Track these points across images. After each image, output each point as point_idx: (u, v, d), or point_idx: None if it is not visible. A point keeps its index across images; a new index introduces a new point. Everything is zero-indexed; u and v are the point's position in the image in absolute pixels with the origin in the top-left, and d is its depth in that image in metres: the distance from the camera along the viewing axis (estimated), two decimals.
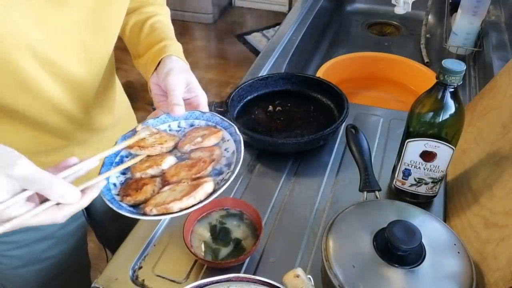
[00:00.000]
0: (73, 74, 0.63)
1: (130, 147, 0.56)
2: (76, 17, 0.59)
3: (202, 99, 0.66)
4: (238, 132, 0.59)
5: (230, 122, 0.62)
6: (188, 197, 0.50)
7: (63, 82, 0.63)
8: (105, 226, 0.99)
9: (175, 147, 0.60)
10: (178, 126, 0.63)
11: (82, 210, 0.88)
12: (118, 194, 0.55)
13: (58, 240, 0.82)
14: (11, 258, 0.78)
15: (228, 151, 0.58)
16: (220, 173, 0.56)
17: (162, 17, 0.75)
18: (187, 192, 0.50)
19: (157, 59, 0.66)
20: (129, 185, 0.55)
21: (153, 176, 0.56)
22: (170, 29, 0.74)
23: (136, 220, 0.76)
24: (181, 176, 0.54)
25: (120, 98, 0.84)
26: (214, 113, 0.63)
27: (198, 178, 0.54)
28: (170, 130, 0.62)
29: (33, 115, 0.64)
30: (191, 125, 0.63)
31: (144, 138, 0.56)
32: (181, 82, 0.63)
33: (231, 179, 0.52)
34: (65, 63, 0.61)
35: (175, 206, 0.50)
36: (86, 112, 0.71)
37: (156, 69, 0.66)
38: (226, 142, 0.59)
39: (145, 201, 0.53)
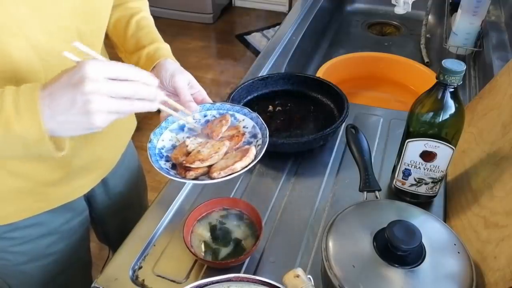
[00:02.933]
0: (70, 63, 0.63)
1: (188, 161, 0.64)
2: (70, 6, 0.60)
3: (203, 93, 0.74)
4: (251, 111, 0.73)
5: (240, 106, 0.75)
6: (246, 157, 0.63)
7: (59, 71, 0.63)
8: (106, 221, 0.99)
9: (209, 137, 0.71)
10: (194, 119, 0.73)
11: (86, 204, 0.88)
12: (168, 161, 0.67)
13: (62, 235, 0.83)
14: (16, 254, 0.78)
15: (247, 127, 0.72)
16: (249, 143, 0.69)
17: (146, 13, 0.81)
18: (241, 155, 0.63)
19: (153, 61, 0.72)
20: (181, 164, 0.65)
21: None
22: (155, 28, 0.79)
23: (137, 218, 0.76)
24: (220, 147, 0.66)
25: None
26: (223, 102, 0.75)
27: (237, 148, 0.67)
28: (188, 122, 0.72)
29: None
30: (205, 116, 0.74)
31: (199, 151, 0.66)
32: (185, 81, 0.71)
33: (267, 141, 0.68)
34: (61, 52, 0.61)
35: (238, 166, 0.62)
36: None
37: (152, 70, 0.72)
38: (242, 121, 0.73)
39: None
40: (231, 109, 0.75)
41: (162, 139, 0.70)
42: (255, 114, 0.73)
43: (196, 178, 0.64)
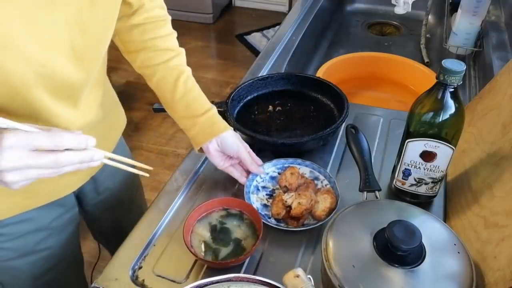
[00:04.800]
0: (62, 74, 0.63)
1: (296, 213, 0.74)
2: (63, 17, 0.59)
3: (252, 152, 0.84)
4: (303, 160, 0.85)
5: (291, 159, 0.85)
6: (333, 196, 0.77)
7: (51, 82, 0.63)
8: (97, 219, 0.99)
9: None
10: (260, 177, 0.84)
11: (75, 201, 0.88)
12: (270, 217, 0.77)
13: (52, 231, 0.83)
14: (6, 250, 0.79)
15: (305, 173, 0.84)
16: (316, 185, 0.82)
17: (188, 70, 0.83)
18: (330, 196, 0.76)
19: (212, 135, 0.79)
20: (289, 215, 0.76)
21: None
22: (198, 87, 0.83)
23: (130, 216, 0.77)
24: (311, 194, 0.76)
25: (107, 93, 0.85)
26: (277, 160, 0.85)
27: (316, 192, 0.79)
28: (258, 182, 0.84)
29: (21, 115, 0.63)
30: (267, 173, 0.84)
31: (299, 202, 0.76)
32: (246, 151, 0.82)
33: (334, 180, 0.80)
34: (54, 64, 0.61)
35: (333, 204, 0.75)
36: (73, 109, 0.71)
37: (213, 139, 0.79)
38: (299, 170, 0.83)
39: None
40: (285, 163, 0.85)
41: (253, 203, 0.79)
42: (309, 162, 0.84)
43: (303, 224, 0.75)
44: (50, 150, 0.49)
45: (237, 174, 0.82)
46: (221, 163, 0.82)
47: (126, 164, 0.65)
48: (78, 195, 0.90)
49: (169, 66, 0.81)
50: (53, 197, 0.79)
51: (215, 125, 0.80)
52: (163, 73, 0.80)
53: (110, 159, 0.62)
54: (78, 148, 0.51)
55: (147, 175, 0.67)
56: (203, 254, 0.69)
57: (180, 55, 0.83)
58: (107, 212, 0.98)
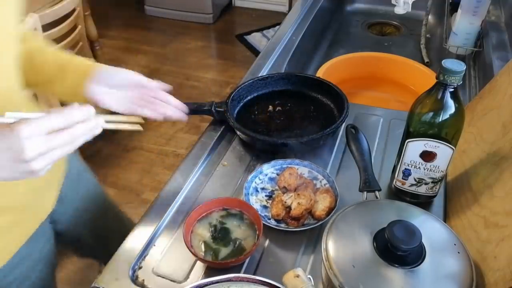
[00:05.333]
0: (12, 92, 0.66)
1: (296, 214, 0.74)
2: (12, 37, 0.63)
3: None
4: (301, 160, 0.84)
5: (290, 160, 0.85)
6: (332, 196, 0.76)
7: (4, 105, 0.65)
8: (75, 234, 0.97)
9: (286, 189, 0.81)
10: (259, 179, 0.83)
11: (50, 226, 0.88)
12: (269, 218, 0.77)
13: (46, 260, 0.84)
14: None
15: (304, 173, 0.83)
16: (314, 185, 0.82)
17: (52, 47, 0.81)
18: (329, 196, 0.76)
19: (89, 70, 0.75)
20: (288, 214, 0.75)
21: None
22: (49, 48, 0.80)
23: (109, 222, 0.77)
24: (310, 194, 0.76)
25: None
26: (275, 161, 0.84)
27: (315, 192, 0.79)
28: (257, 184, 0.83)
29: None
30: (266, 174, 0.84)
31: (298, 203, 0.75)
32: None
33: (333, 179, 0.80)
34: (10, 85, 0.64)
35: (332, 204, 0.75)
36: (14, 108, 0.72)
37: (89, 74, 0.75)
38: (298, 170, 0.83)
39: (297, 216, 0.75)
40: (284, 163, 0.85)
41: (252, 204, 0.78)
42: (307, 162, 0.84)
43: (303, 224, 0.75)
44: (62, 128, 0.51)
45: (149, 112, 0.78)
46: (116, 105, 0.76)
47: (121, 122, 0.67)
48: (51, 220, 0.89)
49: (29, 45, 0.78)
50: (36, 222, 0.80)
51: (86, 64, 0.76)
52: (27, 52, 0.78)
53: (107, 122, 0.63)
54: (85, 119, 0.54)
55: (141, 128, 0.68)
56: (203, 254, 0.69)
57: (35, 38, 0.82)
58: (82, 225, 0.97)
